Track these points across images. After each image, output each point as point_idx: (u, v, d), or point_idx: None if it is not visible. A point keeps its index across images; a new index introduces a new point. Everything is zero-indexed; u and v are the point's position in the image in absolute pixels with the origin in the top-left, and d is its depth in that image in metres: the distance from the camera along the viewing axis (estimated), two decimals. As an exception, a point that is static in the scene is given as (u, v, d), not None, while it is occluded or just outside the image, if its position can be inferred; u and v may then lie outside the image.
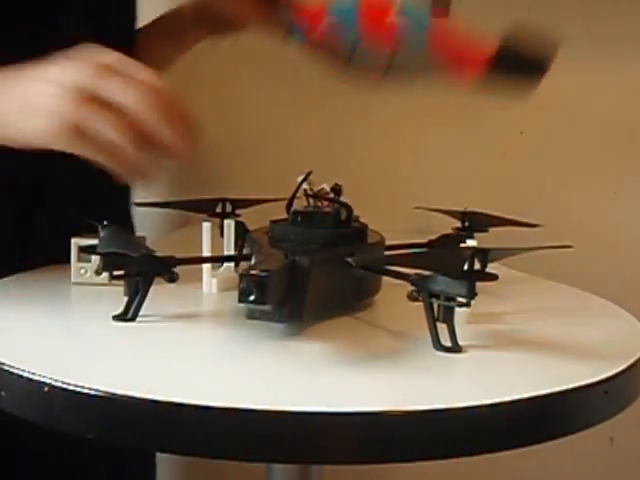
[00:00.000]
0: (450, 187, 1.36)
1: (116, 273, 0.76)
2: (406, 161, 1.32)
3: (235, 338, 0.73)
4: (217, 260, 0.93)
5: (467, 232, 1.01)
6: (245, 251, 0.90)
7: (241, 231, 0.92)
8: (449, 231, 1.01)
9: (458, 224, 1.02)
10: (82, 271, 0.85)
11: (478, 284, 0.69)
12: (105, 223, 0.79)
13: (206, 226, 0.86)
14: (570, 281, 0.97)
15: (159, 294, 0.77)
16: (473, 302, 0.69)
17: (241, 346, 0.71)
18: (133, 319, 0.75)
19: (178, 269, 0.77)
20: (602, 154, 1.37)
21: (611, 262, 1.37)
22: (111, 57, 0.73)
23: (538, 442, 0.62)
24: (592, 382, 0.64)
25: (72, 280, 0.86)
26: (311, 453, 0.59)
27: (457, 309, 0.70)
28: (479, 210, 1.03)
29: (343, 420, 0.58)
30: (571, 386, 0.63)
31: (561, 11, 1.34)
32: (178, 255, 0.78)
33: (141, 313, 0.75)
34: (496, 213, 1.01)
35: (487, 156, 1.38)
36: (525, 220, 1.01)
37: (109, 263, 0.76)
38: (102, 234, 0.78)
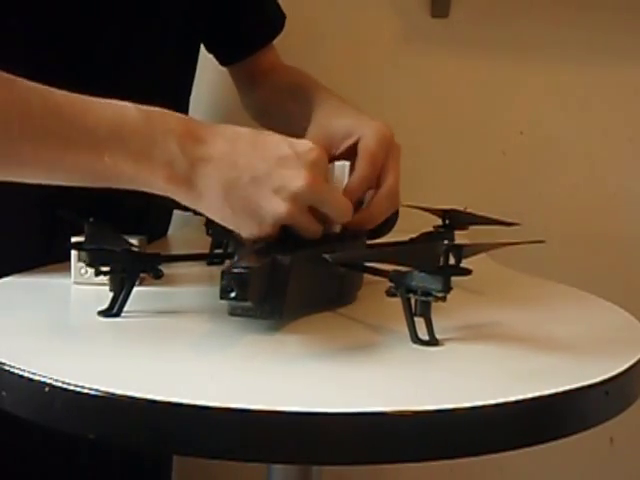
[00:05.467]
0: (450, 187, 1.36)
1: (102, 269, 0.77)
2: (405, 160, 1.32)
3: (222, 335, 0.73)
4: (202, 258, 0.94)
5: (447, 230, 1.02)
6: (229, 249, 0.90)
7: (226, 229, 0.92)
8: (430, 229, 1.02)
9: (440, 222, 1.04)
10: (82, 271, 0.85)
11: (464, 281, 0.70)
12: (91, 220, 0.80)
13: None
14: (569, 281, 0.97)
15: (144, 290, 0.77)
16: (448, 296, 0.70)
17: (232, 344, 0.72)
18: (118, 314, 0.76)
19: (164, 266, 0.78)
20: (602, 154, 1.37)
21: (611, 262, 1.37)
22: (323, 169, 0.77)
23: (539, 442, 0.62)
24: (592, 383, 0.64)
25: (72, 280, 0.86)
26: (311, 453, 0.59)
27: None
28: (459, 208, 1.04)
29: (343, 420, 0.58)
30: (572, 386, 0.63)
31: (561, 11, 1.34)
32: (164, 252, 0.79)
33: (132, 309, 0.76)
34: (482, 213, 1.02)
35: (487, 156, 1.38)
36: (518, 220, 1.02)
37: (95, 259, 0.76)
38: (88, 231, 0.79)
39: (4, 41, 0.94)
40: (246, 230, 0.76)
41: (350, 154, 0.89)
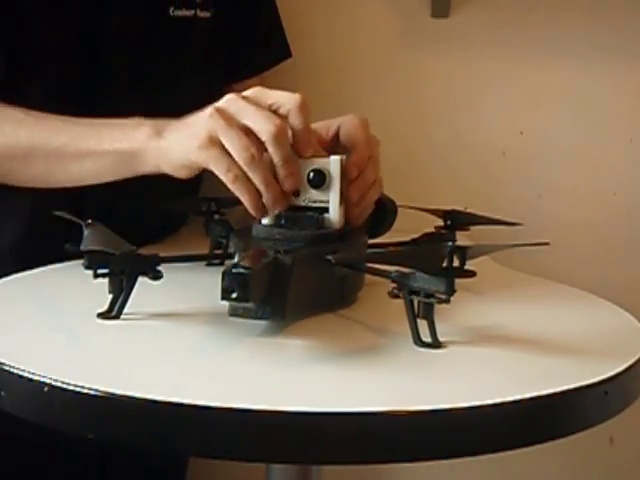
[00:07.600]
0: (450, 187, 1.36)
1: (100, 271, 0.76)
2: (405, 160, 1.32)
3: (222, 336, 0.73)
4: (201, 258, 0.93)
5: (449, 231, 1.02)
6: (229, 250, 0.90)
7: (226, 230, 0.92)
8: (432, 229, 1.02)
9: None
10: (83, 271, 0.85)
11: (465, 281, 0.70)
12: (89, 222, 0.80)
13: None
14: (570, 281, 0.97)
15: (143, 291, 0.77)
16: (452, 299, 0.70)
17: (233, 346, 0.72)
18: (117, 317, 0.76)
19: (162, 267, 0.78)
20: (602, 154, 1.37)
21: (611, 262, 1.37)
22: (250, 90, 0.84)
23: (538, 442, 0.62)
24: (592, 382, 0.64)
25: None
26: (311, 453, 0.59)
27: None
28: (459, 208, 1.04)
29: (342, 420, 0.58)
30: (571, 386, 0.63)
31: (561, 12, 1.34)
32: (163, 253, 0.79)
33: (131, 309, 0.76)
34: (483, 213, 1.02)
35: (487, 156, 1.38)
36: (513, 220, 1.02)
37: (93, 261, 0.76)
38: (86, 232, 0.78)
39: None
40: (190, 147, 0.82)
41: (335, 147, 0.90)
